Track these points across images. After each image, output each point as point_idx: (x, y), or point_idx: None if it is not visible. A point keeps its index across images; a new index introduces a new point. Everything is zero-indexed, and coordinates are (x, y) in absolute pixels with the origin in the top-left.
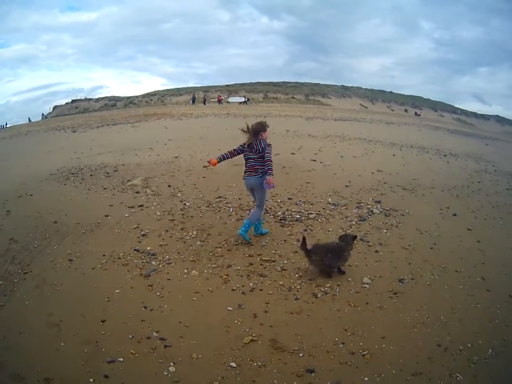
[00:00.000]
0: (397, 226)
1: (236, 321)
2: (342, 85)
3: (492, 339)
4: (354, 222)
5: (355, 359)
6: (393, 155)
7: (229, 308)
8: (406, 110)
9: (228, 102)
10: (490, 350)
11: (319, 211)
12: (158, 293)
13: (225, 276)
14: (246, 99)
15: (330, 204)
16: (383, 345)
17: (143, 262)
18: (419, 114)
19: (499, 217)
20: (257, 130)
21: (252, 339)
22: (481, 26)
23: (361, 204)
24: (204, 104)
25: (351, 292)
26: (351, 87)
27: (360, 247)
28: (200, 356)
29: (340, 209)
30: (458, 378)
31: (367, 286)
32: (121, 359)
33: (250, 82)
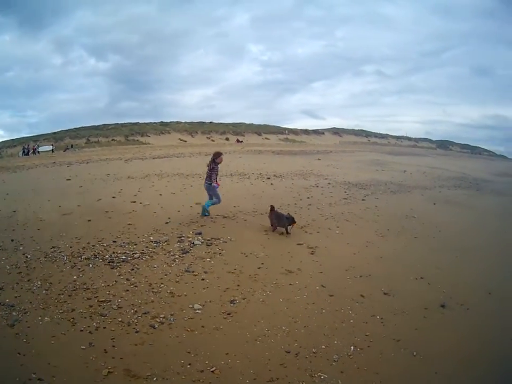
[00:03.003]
0: (220, 253)
1: (91, 358)
2: (161, 121)
3: (350, 337)
4: (177, 256)
5: (206, 376)
6: None
7: (82, 347)
8: (227, 139)
9: (38, 152)
10: (352, 347)
11: (143, 250)
12: (24, 340)
13: (72, 319)
14: (53, 146)
15: (152, 241)
16: (229, 361)
17: (6, 313)
18: (241, 141)
19: (335, 227)
20: (215, 155)
21: (109, 371)
22: (323, 40)
23: (183, 238)
24: (28, 155)
25: (185, 319)
26: (170, 122)
27: (186, 277)
28: None
29: (162, 246)
30: (322, 377)
31: (199, 312)
32: None
33: (75, 128)
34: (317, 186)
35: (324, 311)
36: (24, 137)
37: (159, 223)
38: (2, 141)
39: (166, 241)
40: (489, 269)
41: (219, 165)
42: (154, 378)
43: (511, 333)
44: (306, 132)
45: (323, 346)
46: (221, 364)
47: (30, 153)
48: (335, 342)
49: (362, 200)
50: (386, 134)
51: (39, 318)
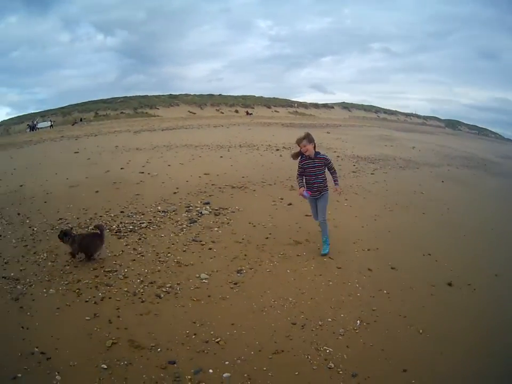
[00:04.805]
0: (228, 223)
1: (95, 329)
2: (170, 94)
3: (356, 311)
4: (185, 225)
5: (211, 347)
6: (221, 157)
7: (87, 318)
8: (236, 111)
9: (37, 128)
10: (358, 321)
11: (150, 219)
12: (29, 313)
13: (78, 290)
14: (52, 122)
15: (160, 211)
16: (235, 331)
17: (11, 287)
18: (251, 113)
19: (343, 200)
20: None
21: (113, 342)
22: (330, 17)
23: (190, 208)
24: (33, 130)
25: (192, 288)
26: (179, 95)
27: (193, 247)
28: (76, 363)
29: (170, 215)
30: (328, 350)
31: (206, 281)
32: (20, 375)
33: (83, 102)
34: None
35: (331, 283)
36: (31, 113)
37: (167, 193)
38: (10, 118)
39: (173, 211)
40: (496, 251)
41: (312, 159)
42: (159, 349)
43: None
44: (316, 105)
45: (329, 319)
46: (226, 334)
47: (35, 128)
48: (342, 315)
49: (371, 174)
50: (396, 111)
51: (44, 290)
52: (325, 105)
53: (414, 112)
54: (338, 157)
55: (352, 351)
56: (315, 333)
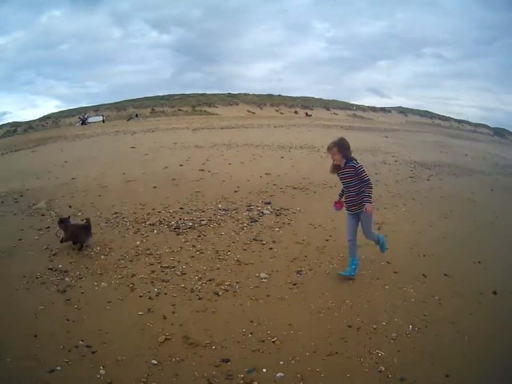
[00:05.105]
0: (289, 224)
1: (148, 324)
2: (229, 93)
3: (409, 316)
4: (245, 224)
5: (266, 346)
6: (282, 157)
7: (140, 313)
8: (296, 112)
9: (88, 122)
10: (410, 326)
11: (211, 217)
12: (76, 306)
13: (132, 285)
14: (104, 117)
15: (220, 209)
16: (291, 332)
17: (58, 279)
18: (310, 115)
19: (401, 205)
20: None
21: (166, 338)
22: (383, 21)
23: (251, 207)
24: (85, 124)
25: (251, 287)
26: (238, 94)
27: (254, 246)
28: (124, 358)
29: (230, 214)
30: (380, 354)
31: (265, 281)
32: (59, 368)
33: (138, 98)
34: (385, 163)
35: (387, 287)
36: (83, 107)
37: (227, 192)
38: (60, 111)
39: (234, 210)
40: None
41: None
42: (213, 347)
43: None
44: (373, 109)
45: (383, 323)
46: (283, 334)
47: (85, 122)
48: (395, 319)
49: (427, 180)
50: (449, 117)
51: (95, 283)
52: (382, 109)
53: (466, 119)
54: (396, 161)
55: (402, 355)
56: (369, 336)
